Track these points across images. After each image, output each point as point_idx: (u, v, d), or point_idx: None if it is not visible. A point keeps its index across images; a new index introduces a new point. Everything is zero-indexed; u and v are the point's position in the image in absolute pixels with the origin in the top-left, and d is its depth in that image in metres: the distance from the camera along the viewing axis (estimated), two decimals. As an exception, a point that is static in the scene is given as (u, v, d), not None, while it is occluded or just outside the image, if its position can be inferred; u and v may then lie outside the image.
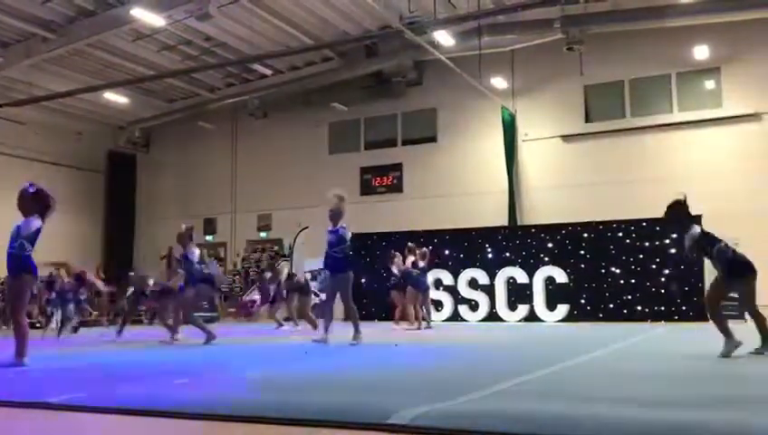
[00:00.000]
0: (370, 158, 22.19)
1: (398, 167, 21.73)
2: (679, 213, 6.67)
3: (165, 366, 6.24)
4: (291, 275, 15.14)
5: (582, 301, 16.06)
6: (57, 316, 14.10)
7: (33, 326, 17.69)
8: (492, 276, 16.86)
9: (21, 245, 6.30)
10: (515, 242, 17.14)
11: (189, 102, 23.73)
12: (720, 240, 6.52)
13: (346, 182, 22.00)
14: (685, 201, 6.62)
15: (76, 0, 16.86)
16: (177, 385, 4.51)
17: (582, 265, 16.15)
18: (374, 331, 12.49)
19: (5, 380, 5.02)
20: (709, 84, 18.36)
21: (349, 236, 9.26)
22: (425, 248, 14.14)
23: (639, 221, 15.86)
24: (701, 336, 10.36)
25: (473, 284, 16.99)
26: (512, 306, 16.61)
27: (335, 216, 9.31)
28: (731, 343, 6.21)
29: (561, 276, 16.18)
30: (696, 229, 6.62)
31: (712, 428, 2.77)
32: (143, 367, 6.24)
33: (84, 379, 5.15)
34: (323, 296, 11.67)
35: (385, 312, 16.06)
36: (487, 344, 8.91)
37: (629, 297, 15.72)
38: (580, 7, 17.22)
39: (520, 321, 16.33)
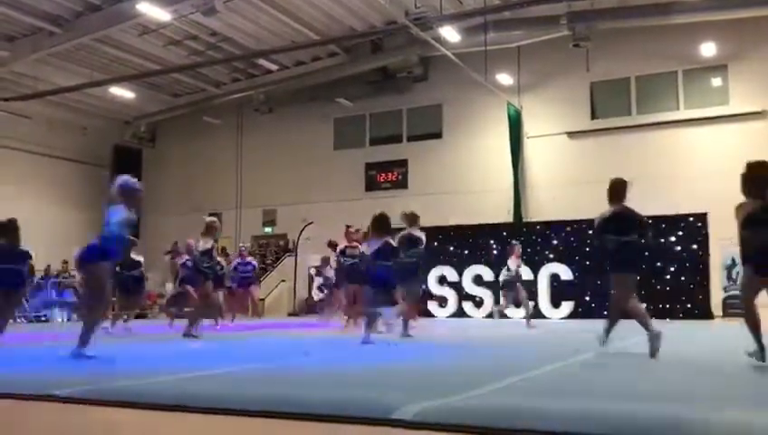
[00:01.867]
0: (375, 153, 22.20)
1: (403, 163, 21.73)
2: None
3: (167, 361, 6.26)
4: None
5: (587, 298, 16.04)
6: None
7: (38, 320, 17.79)
8: (497, 273, 16.84)
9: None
10: (520, 239, 17.11)
11: (195, 97, 23.76)
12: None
13: (351, 178, 22.09)
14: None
15: (82, -5, 16.94)
16: (180, 380, 4.53)
17: (587, 263, 16.13)
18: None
19: (13, 371, 5.05)
20: (716, 82, 18.29)
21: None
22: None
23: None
24: (705, 334, 10.35)
25: (477, 280, 16.98)
26: (516, 303, 16.59)
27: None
28: None
29: (565, 274, 16.15)
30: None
31: (713, 425, 2.77)
32: (146, 362, 6.27)
33: (89, 373, 5.18)
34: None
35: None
36: (490, 341, 8.91)
37: (634, 295, 15.67)
38: (587, 4, 17.17)
39: (524, 318, 16.32)
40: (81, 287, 6.50)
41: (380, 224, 8.71)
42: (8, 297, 8.70)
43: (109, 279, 6.59)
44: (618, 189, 6.62)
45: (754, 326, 5.40)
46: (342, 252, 11.99)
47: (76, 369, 5.41)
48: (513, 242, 13.20)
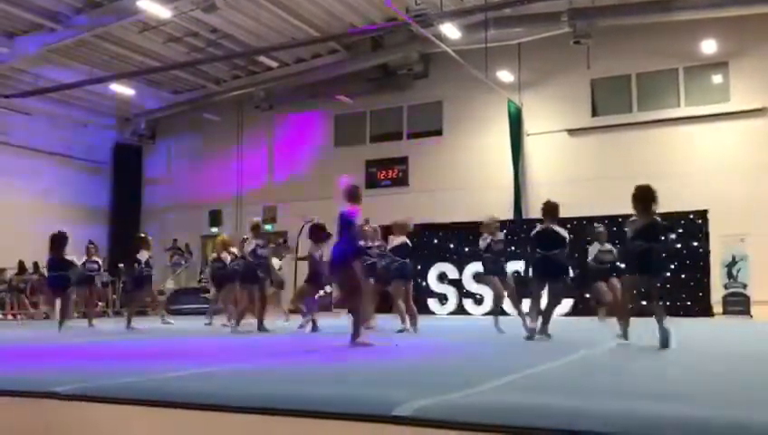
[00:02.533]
0: (376, 151, 22.17)
1: (403, 160, 21.70)
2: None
3: (168, 358, 6.27)
4: None
5: (587, 295, 16.05)
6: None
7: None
8: (497, 270, 16.82)
9: None
10: (521, 236, 17.10)
11: (195, 94, 23.74)
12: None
13: (351, 175, 22.05)
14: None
15: (83, -9, 16.91)
16: (181, 377, 4.53)
17: (587, 260, 16.13)
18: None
19: (9, 368, 5.06)
20: (717, 79, 18.26)
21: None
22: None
23: (645, 216, 15.80)
24: (706, 332, 10.35)
25: (478, 278, 16.97)
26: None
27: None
28: None
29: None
30: None
31: (713, 424, 2.77)
32: (147, 359, 6.27)
33: (89, 370, 5.18)
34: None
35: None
36: (491, 338, 8.92)
37: (634, 292, 15.66)
38: (588, 1, 17.14)
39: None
40: (340, 289, 7.68)
41: (315, 233, 10.51)
42: (57, 298, 11.40)
43: (363, 274, 7.35)
44: (551, 209, 8.34)
45: (624, 315, 7.29)
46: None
47: (76, 366, 5.41)
48: (595, 225, 12.65)
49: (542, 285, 8.27)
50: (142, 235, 13.46)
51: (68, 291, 11.46)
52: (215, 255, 13.61)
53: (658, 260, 6.99)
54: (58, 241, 11.11)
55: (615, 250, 11.64)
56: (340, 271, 7.17)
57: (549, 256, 8.04)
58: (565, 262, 8.24)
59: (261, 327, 10.39)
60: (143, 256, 12.52)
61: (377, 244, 10.78)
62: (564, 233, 8.23)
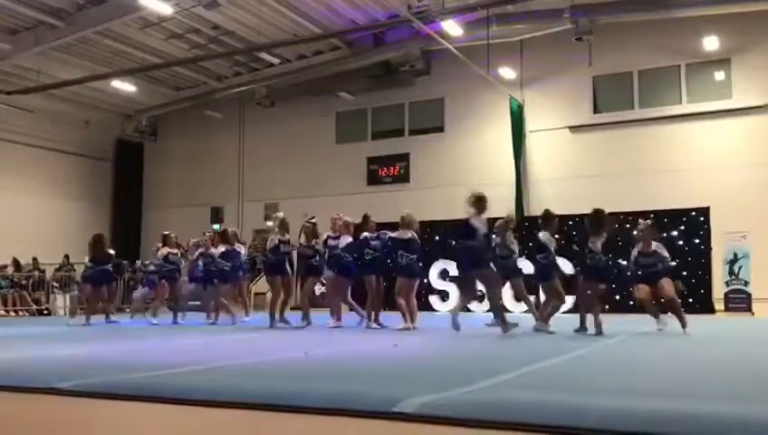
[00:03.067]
0: (377, 148, 22.17)
1: (404, 157, 21.70)
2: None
3: (172, 354, 6.28)
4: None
5: (588, 292, 16.03)
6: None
7: (40, 313, 17.80)
8: (497, 267, 16.82)
9: None
10: (522, 233, 17.07)
11: (197, 91, 23.74)
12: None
13: (352, 172, 22.07)
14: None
15: (84, -12, 16.90)
16: (182, 373, 4.54)
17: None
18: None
19: (11, 365, 5.06)
20: (719, 76, 18.23)
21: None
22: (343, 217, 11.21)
23: (647, 213, 15.80)
24: (707, 328, 10.35)
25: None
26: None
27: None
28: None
29: (567, 268, 16.14)
30: None
31: (714, 420, 2.78)
32: (149, 356, 6.28)
33: (91, 366, 5.19)
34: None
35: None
36: (492, 335, 8.92)
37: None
38: (590, -3, 17.13)
39: (525, 312, 16.32)
40: (485, 285, 8.90)
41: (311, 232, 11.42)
42: (103, 290, 12.25)
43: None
44: (546, 219, 9.67)
45: (592, 309, 8.63)
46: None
47: (77, 362, 5.42)
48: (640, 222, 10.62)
49: (541, 285, 9.66)
50: (165, 232, 13.64)
51: (112, 284, 12.86)
52: (202, 249, 13.37)
53: (609, 270, 9.07)
54: (99, 240, 12.43)
55: (662, 251, 9.21)
56: (479, 270, 8.32)
57: (538, 260, 9.34)
58: (548, 266, 9.35)
59: (282, 319, 10.80)
60: (162, 252, 12.64)
61: (348, 239, 10.77)
62: (548, 242, 9.32)
